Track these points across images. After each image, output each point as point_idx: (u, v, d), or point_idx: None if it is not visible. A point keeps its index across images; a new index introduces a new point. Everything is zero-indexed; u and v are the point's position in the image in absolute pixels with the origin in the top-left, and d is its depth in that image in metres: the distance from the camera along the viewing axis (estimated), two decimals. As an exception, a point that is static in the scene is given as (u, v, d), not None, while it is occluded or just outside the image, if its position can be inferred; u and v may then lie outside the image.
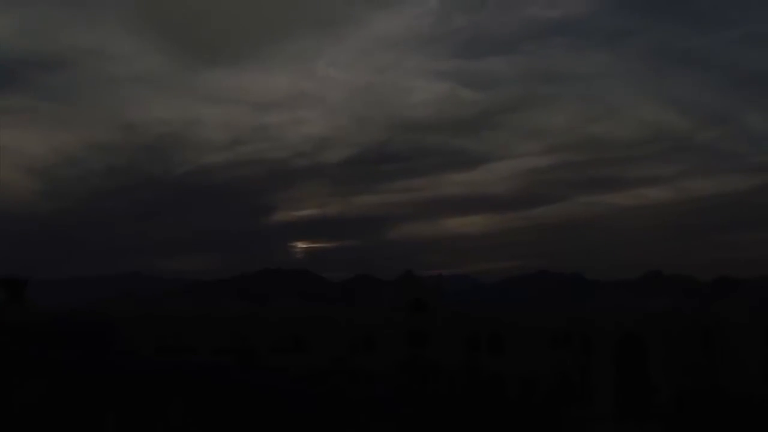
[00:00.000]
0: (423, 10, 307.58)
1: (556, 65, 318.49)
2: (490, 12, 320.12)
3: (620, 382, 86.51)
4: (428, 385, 78.31)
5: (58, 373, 51.76)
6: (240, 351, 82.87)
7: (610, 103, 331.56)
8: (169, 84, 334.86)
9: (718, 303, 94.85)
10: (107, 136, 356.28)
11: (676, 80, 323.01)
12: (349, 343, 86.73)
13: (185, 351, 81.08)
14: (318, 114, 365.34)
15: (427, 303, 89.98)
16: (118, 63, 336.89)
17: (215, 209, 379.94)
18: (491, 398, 66.41)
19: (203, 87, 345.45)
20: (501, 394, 76.01)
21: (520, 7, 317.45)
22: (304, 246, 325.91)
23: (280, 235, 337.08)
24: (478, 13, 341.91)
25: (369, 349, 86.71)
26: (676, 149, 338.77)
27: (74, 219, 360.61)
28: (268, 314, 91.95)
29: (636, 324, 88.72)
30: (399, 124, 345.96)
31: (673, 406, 76.75)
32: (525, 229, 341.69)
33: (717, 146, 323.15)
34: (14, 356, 55.63)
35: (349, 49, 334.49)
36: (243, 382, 58.03)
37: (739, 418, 67.20)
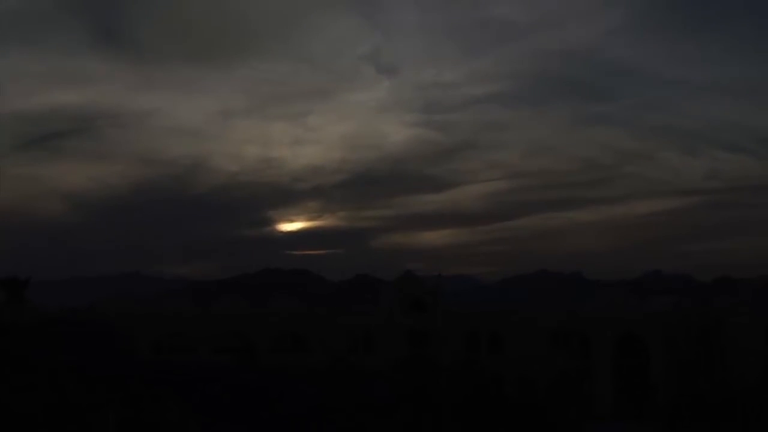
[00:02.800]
0: (382, 87, 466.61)
1: (497, 120, 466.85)
2: (436, 90, 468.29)
3: (620, 382, 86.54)
4: (428, 384, 78.32)
5: (58, 373, 51.74)
6: (240, 351, 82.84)
7: (544, 145, 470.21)
8: (197, 132, 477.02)
9: (718, 303, 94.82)
10: (138, 168, 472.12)
11: (594, 132, 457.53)
12: (349, 343, 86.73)
13: (185, 351, 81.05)
14: (312, 151, 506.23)
15: (427, 303, 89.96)
16: (160, 117, 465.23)
17: (221, 221, 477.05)
18: (491, 397, 66.40)
19: (222, 134, 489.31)
20: (500, 393, 75.99)
21: (455, 88, 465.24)
22: (302, 253, 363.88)
23: (279, 242, 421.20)
24: (426, 92, 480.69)
25: (369, 349, 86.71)
26: (609, 178, 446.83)
27: (88, 227, 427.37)
28: (268, 314, 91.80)
29: (636, 324, 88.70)
30: (380, 157, 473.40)
31: (673, 405, 76.77)
32: (499, 239, 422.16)
33: (643, 175, 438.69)
34: (14, 356, 55.63)
35: (333, 111, 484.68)
36: (243, 382, 58.07)
37: (739, 417, 67.24)
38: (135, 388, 50.31)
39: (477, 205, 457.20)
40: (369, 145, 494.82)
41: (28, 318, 78.86)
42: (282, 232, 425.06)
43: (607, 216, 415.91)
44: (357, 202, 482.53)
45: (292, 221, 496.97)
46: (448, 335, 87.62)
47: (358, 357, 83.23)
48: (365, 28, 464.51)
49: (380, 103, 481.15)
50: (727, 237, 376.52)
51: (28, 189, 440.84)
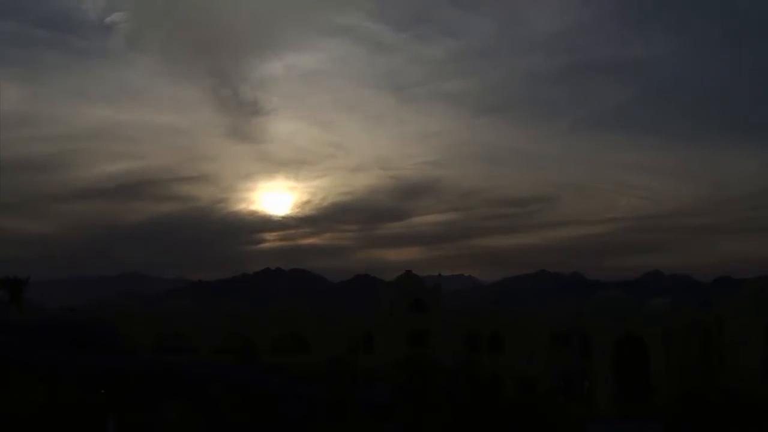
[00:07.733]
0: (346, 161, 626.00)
1: (432, 175, 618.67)
2: (383, 162, 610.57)
3: (620, 382, 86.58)
4: (428, 384, 78.22)
5: (58, 373, 51.75)
6: (240, 351, 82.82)
7: (468, 191, 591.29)
8: (223, 186, 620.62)
9: (718, 303, 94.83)
10: (170, 205, 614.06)
11: (500, 183, 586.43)
12: (349, 342, 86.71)
13: (185, 351, 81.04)
14: (302, 194, 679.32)
15: (427, 303, 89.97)
16: (201, 178, 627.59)
17: (225, 238, 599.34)
18: (491, 398, 66.35)
19: (237, 187, 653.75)
20: (500, 393, 75.87)
21: (394, 161, 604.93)
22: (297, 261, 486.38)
23: (275, 249, 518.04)
24: (378, 162, 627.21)
25: (369, 349, 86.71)
26: (528, 212, 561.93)
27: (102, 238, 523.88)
28: (268, 314, 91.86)
29: (636, 324, 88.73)
30: (352, 199, 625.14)
31: (673, 405, 76.73)
32: (464, 255, 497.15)
33: (549, 210, 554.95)
34: (14, 356, 55.61)
35: (313, 173, 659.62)
36: (243, 382, 58.05)
37: (739, 417, 67.13)
38: (135, 388, 50.33)
39: (435, 228, 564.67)
40: (344, 191, 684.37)
41: (28, 318, 78.88)
42: (279, 245, 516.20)
43: (552, 239, 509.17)
44: (334, 226, 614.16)
45: (286, 240, 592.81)
46: (448, 335, 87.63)
47: (358, 357, 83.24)
48: (326, 139, 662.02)
49: (347, 168, 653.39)
50: (673, 246, 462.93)
51: (79, 221, 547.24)
